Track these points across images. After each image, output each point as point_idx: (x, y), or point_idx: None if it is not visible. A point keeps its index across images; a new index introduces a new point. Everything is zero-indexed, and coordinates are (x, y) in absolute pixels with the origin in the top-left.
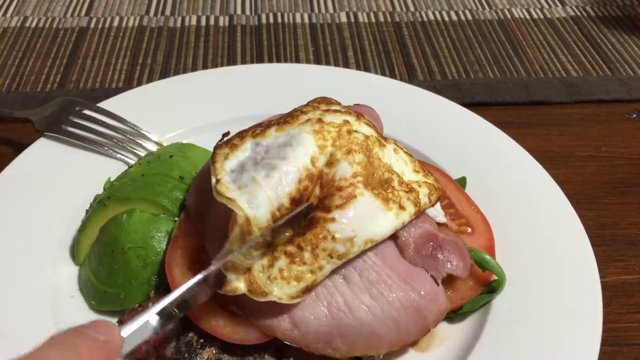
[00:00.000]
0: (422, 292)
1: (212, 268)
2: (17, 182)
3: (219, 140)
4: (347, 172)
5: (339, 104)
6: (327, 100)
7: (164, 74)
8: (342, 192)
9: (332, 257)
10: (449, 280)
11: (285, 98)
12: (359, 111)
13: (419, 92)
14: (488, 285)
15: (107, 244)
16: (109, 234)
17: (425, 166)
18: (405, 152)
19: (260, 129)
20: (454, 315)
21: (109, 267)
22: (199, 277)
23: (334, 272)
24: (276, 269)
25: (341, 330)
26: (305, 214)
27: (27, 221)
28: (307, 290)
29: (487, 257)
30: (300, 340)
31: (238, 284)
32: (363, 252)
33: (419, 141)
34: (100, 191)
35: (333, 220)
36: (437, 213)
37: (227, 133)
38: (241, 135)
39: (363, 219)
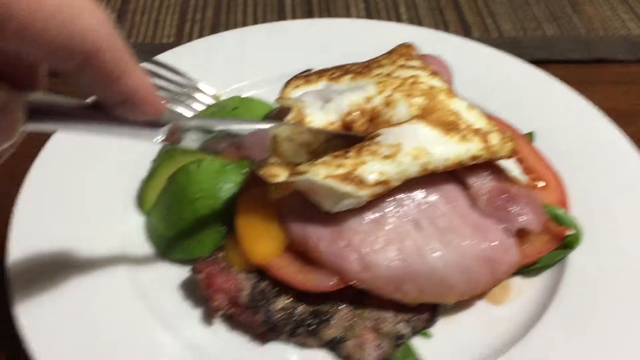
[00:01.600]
0: (493, 244)
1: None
2: (75, 136)
3: (300, 73)
4: (405, 113)
5: (419, 57)
6: (407, 53)
7: (214, 30)
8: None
9: (374, 155)
10: (522, 235)
11: (339, 54)
12: (429, 62)
13: (480, 47)
14: (563, 240)
15: (176, 194)
16: (178, 183)
17: (493, 120)
18: (481, 113)
19: (339, 72)
20: (528, 269)
21: (177, 216)
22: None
23: (405, 217)
24: (320, 161)
25: (411, 274)
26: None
27: (92, 173)
28: (345, 177)
29: (562, 211)
30: (371, 283)
31: (279, 171)
32: (432, 195)
33: (483, 96)
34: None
35: (378, 134)
36: (512, 167)
37: (310, 70)
38: (320, 73)
39: (413, 135)
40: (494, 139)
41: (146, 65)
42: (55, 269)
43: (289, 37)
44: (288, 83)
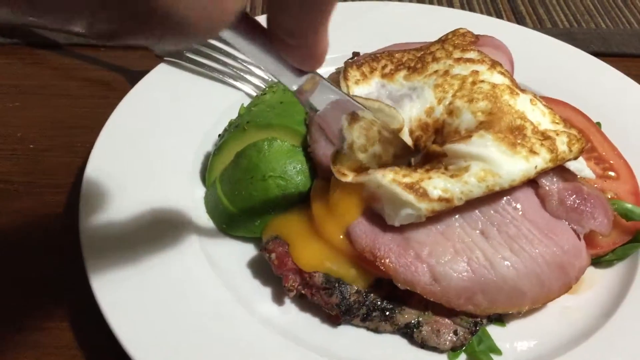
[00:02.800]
0: (565, 247)
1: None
2: (142, 106)
3: (349, 58)
4: (471, 122)
5: (474, 42)
6: (463, 44)
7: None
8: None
9: (443, 174)
10: (590, 234)
11: (391, 37)
12: (485, 43)
13: (540, 36)
14: (636, 233)
15: (247, 170)
16: (249, 159)
17: (563, 106)
18: (545, 105)
19: (390, 67)
20: (600, 260)
21: (246, 192)
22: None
23: (471, 227)
24: (389, 168)
25: (483, 285)
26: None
27: (157, 146)
28: (410, 186)
29: (630, 206)
30: (441, 296)
31: (347, 172)
32: (497, 201)
33: (547, 87)
34: (224, 119)
35: (444, 154)
36: (582, 167)
37: (357, 53)
38: (371, 66)
39: (481, 155)
40: (562, 142)
41: (212, 40)
42: (127, 236)
43: (340, 18)
44: (347, 74)
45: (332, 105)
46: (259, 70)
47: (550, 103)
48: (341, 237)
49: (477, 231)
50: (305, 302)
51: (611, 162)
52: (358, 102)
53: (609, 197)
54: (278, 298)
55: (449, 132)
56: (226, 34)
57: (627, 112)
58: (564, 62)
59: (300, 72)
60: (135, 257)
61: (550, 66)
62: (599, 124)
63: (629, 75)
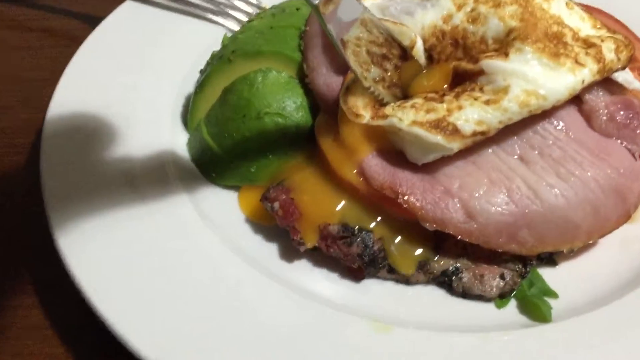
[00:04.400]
0: (621, 169)
1: None
2: (107, 49)
3: None
4: (499, 29)
5: None
6: None
7: None
8: (496, 50)
9: (476, 100)
10: None
11: None
12: None
13: None
14: None
15: (238, 107)
16: (240, 95)
17: (600, 15)
18: (583, 9)
19: None
20: None
21: (238, 134)
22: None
23: (507, 152)
24: (409, 103)
25: (527, 219)
26: None
27: (127, 91)
28: (436, 124)
29: None
30: (479, 235)
31: (364, 112)
32: (536, 120)
33: None
34: (206, 58)
35: (481, 72)
36: (631, 79)
37: None
38: None
39: (521, 72)
40: (609, 50)
41: None
42: (100, 194)
43: None
44: None
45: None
46: (241, 3)
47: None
48: (356, 174)
49: (515, 157)
50: (320, 257)
51: None
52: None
53: None
54: (287, 254)
55: (474, 43)
56: None
57: None
58: None
59: None
60: (110, 216)
61: None
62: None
63: None
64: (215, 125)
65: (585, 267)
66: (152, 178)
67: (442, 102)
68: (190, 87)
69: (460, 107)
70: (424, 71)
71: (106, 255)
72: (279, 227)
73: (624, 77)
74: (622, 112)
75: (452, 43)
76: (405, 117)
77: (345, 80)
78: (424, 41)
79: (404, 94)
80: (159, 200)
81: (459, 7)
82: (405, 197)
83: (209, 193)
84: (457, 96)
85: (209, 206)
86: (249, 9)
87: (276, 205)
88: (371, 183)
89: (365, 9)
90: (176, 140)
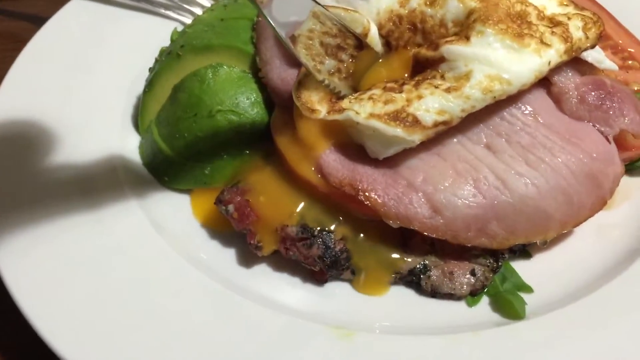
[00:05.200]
0: (594, 153)
1: None
2: (54, 50)
3: None
4: (459, 11)
5: None
6: None
7: None
8: (457, 34)
9: (436, 88)
10: (619, 136)
11: None
12: None
13: None
14: None
15: (188, 106)
16: (190, 92)
17: None
18: None
19: None
20: (633, 166)
21: (190, 134)
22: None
23: (473, 141)
24: (367, 94)
25: (497, 210)
26: None
27: (75, 93)
28: (395, 116)
29: None
30: (446, 230)
31: (319, 107)
32: (503, 106)
33: None
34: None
35: (442, 59)
36: (601, 57)
37: None
38: None
39: (484, 57)
40: (576, 28)
41: None
42: (43, 201)
43: None
44: None
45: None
46: None
47: None
48: (314, 171)
49: (482, 145)
50: (280, 260)
51: (630, 50)
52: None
53: (635, 89)
54: (244, 259)
55: (433, 27)
56: None
57: None
58: None
59: None
60: (54, 225)
61: None
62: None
63: None
64: (166, 125)
65: (561, 257)
66: (102, 184)
67: (401, 92)
68: (141, 87)
69: (420, 97)
70: (382, 59)
71: (47, 267)
72: (235, 231)
73: (594, 56)
74: (593, 93)
75: (410, 28)
76: (362, 110)
77: (299, 75)
78: (381, 27)
79: (363, 85)
80: (108, 207)
81: None
82: (366, 194)
83: (162, 198)
84: (417, 85)
85: (162, 212)
86: (205, 2)
87: (231, 207)
88: (330, 180)
89: (313, 3)
90: (127, 144)
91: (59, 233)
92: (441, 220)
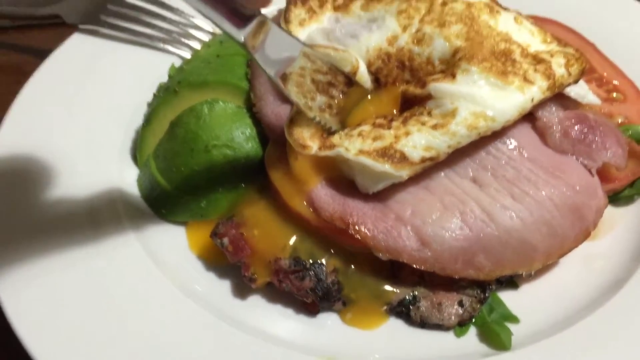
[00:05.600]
0: (577, 186)
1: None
2: (56, 84)
3: None
4: (445, 49)
5: None
6: None
7: None
8: (443, 72)
9: (423, 125)
10: (602, 168)
11: None
12: None
13: None
14: None
15: (185, 141)
16: (186, 128)
17: (552, 25)
18: (532, 23)
19: None
20: (618, 197)
21: (186, 168)
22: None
23: (460, 175)
24: (356, 131)
25: (483, 243)
26: None
27: (76, 126)
28: (383, 152)
29: None
30: (434, 262)
31: (311, 143)
32: (488, 140)
33: (532, 6)
34: (155, 89)
35: (429, 96)
36: (584, 92)
37: None
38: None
39: (469, 94)
40: (558, 65)
41: (137, 1)
42: (43, 232)
43: None
44: (289, 15)
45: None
46: (194, 30)
47: (539, 21)
48: (306, 205)
49: (468, 179)
50: (274, 292)
51: (615, 82)
52: (309, 45)
53: (619, 122)
54: (239, 292)
55: (420, 65)
56: None
57: (623, 28)
58: None
59: (245, 18)
60: (54, 258)
61: None
62: (593, 45)
63: None
64: (163, 160)
65: (547, 287)
66: (100, 216)
67: (389, 128)
68: (140, 120)
69: (407, 133)
70: (371, 95)
71: (46, 300)
72: (230, 263)
73: (577, 91)
74: (576, 127)
75: (398, 65)
76: (352, 146)
77: (291, 111)
78: (370, 64)
79: (353, 119)
80: (106, 240)
81: (404, 28)
82: (357, 227)
83: (160, 230)
84: (404, 121)
85: (159, 244)
86: (202, 36)
87: (226, 240)
88: (321, 214)
89: (302, 44)
90: (126, 177)
91: (58, 265)
92: (429, 253)
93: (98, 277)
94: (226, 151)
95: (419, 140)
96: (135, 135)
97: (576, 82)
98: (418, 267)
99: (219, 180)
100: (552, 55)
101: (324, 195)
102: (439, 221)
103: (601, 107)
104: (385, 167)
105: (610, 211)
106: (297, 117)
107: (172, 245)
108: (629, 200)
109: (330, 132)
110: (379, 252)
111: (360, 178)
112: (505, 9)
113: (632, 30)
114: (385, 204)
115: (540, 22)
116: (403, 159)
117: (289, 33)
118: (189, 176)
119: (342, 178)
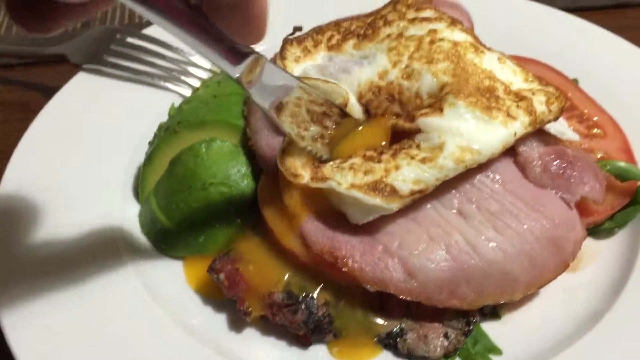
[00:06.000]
0: (556, 220)
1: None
2: (61, 122)
3: (290, 34)
4: (433, 84)
5: (430, 5)
6: (417, 1)
7: None
8: (431, 106)
9: (412, 159)
10: (582, 202)
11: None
12: (439, 4)
13: None
14: (634, 194)
15: (184, 179)
16: (185, 166)
17: (535, 65)
18: (515, 63)
19: (337, 38)
20: (598, 230)
21: (185, 205)
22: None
23: (446, 207)
24: (348, 164)
25: (466, 274)
26: None
27: (80, 163)
28: (374, 186)
29: (624, 164)
30: (420, 292)
31: (303, 172)
32: (474, 173)
33: (516, 47)
34: (156, 126)
35: (418, 130)
36: (564, 129)
37: (300, 28)
38: (315, 39)
39: (456, 128)
40: (539, 102)
41: (135, 40)
42: (47, 266)
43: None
44: (285, 53)
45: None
46: (193, 68)
47: (521, 62)
48: (296, 240)
49: (454, 211)
50: (267, 325)
51: (595, 119)
52: (303, 81)
53: (598, 157)
54: (235, 325)
55: (409, 98)
56: (138, 7)
57: (605, 65)
58: (530, 20)
59: (240, 55)
60: (56, 290)
61: (516, 26)
62: (575, 80)
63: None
64: (163, 197)
65: (530, 319)
66: (101, 252)
67: (380, 161)
68: (141, 157)
69: (397, 167)
70: (363, 126)
71: (48, 337)
72: (226, 297)
73: (557, 127)
74: (555, 163)
75: (388, 98)
76: (344, 180)
77: (283, 141)
78: (361, 96)
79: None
80: (106, 275)
81: (394, 64)
82: (344, 261)
83: (159, 266)
84: (394, 155)
85: (158, 279)
86: (202, 74)
87: (222, 276)
88: (311, 248)
89: (296, 79)
90: (127, 212)
91: (58, 300)
92: (415, 284)
93: (97, 311)
94: (223, 189)
95: (408, 174)
96: (136, 171)
97: (556, 119)
98: (404, 297)
99: (216, 217)
100: (533, 93)
101: (314, 229)
102: (425, 252)
103: (581, 143)
104: (377, 200)
105: (591, 244)
106: (289, 147)
107: (170, 279)
108: (609, 232)
109: (321, 161)
110: (366, 284)
111: (351, 210)
112: (489, 49)
113: (613, 67)
114: (373, 236)
115: (522, 61)
116: (393, 192)
117: (284, 69)
118: (188, 213)
119: (331, 209)
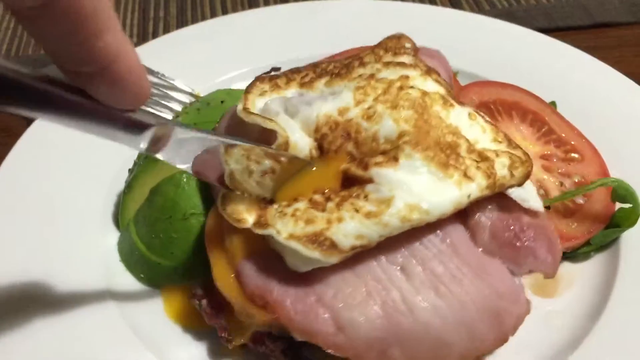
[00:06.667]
0: (500, 290)
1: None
2: (38, 151)
3: (265, 72)
4: (392, 130)
5: (411, 50)
6: (397, 46)
7: (181, 26)
8: (386, 153)
9: (357, 212)
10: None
11: (328, 37)
12: (423, 55)
13: (481, 19)
14: (611, 219)
15: (164, 209)
16: (165, 196)
17: (512, 89)
18: (487, 121)
19: (312, 75)
20: (576, 253)
21: (165, 235)
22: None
23: (390, 261)
24: (291, 209)
25: (399, 335)
26: None
27: (64, 189)
28: (314, 239)
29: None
30: (348, 348)
31: (247, 216)
32: (421, 232)
33: (494, 71)
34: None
35: (370, 180)
36: (528, 196)
37: (278, 69)
38: (289, 77)
39: (407, 184)
40: (502, 165)
41: None
42: (22, 297)
43: (272, 23)
44: (250, 88)
45: (203, 152)
46: (177, 93)
47: (498, 87)
48: (234, 280)
49: (397, 267)
50: (248, 353)
51: (572, 143)
52: (226, 137)
53: (576, 181)
54: (215, 353)
55: (365, 139)
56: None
57: (583, 86)
58: (507, 43)
59: (139, 127)
60: (31, 320)
61: (494, 48)
62: (553, 103)
63: (579, 49)
64: (143, 225)
65: (506, 346)
66: (81, 280)
67: (323, 210)
68: (121, 184)
69: (340, 219)
70: (315, 163)
71: None
72: (205, 328)
73: (519, 194)
74: (506, 231)
75: (343, 135)
76: (284, 229)
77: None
78: (317, 129)
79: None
80: (86, 305)
81: (358, 103)
82: (274, 305)
83: (137, 295)
84: (340, 204)
85: (136, 309)
86: (183, 98)
87: (204, 302)
88: (244, 289)
89: (216, 137)
90: (106, 240)
91: (34, 328)
92: (344, 339)
93: (74, 341)
94: (203, 219)
95: (351, 229)
96: (117, 199)
97: (520, 184)
98: (333, 352)
99: (196, 248)
100: (497, 155)
101: (249, 269)
102: (359, 307)
103: (559, 167)
104: (315, 254)
105: (569, 268)
106: (228, 193)
107: (148, 309)
108: (586, 256)
109: (267, 201)
110: (294, 332)
111: (290, 258)
112: (462, 103)
113: (590, 89)
114: (310, 283)
115: (500, 87)
116: (333, 246)
117: (198, 129)
118: (168, 242)
119: (273, 252)
